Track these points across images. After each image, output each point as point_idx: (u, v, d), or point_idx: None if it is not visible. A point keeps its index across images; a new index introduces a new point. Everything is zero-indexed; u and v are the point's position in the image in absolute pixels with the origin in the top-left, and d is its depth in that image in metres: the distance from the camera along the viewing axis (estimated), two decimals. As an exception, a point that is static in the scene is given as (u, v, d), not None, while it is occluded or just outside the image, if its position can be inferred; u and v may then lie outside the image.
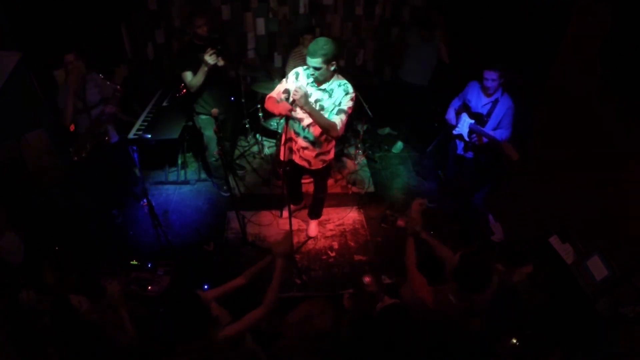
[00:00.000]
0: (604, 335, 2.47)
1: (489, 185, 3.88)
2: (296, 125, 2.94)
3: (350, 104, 2.77)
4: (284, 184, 3.26)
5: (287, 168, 3.12)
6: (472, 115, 3.45)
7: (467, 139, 3.48)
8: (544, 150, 3.32)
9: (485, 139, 3.39)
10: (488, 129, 3.37)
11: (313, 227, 3.77)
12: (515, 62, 3.66)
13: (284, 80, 2.91)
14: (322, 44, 2.54)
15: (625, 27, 2.64)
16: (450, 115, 3.59)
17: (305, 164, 3.13)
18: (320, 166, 3.15)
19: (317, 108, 2.74)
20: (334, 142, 3.12)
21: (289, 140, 3.04)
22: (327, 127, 2.74)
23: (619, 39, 2.69)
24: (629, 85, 2.62)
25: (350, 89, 2.79)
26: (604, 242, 2.75)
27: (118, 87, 3.29)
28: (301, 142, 3.01)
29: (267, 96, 2.88)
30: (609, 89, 2.81)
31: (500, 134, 3.31)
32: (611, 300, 2.57)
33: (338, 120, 2.74)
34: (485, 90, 3.29)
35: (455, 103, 3.61)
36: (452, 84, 4.67)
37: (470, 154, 3.58)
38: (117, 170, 3.72)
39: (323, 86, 2.77)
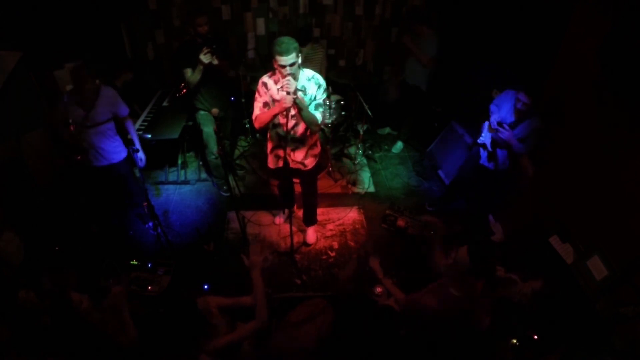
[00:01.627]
0: (604, 335, 2.47)
1: (503, 196, 3.77)
2: (280, 131, 2.89)
3: (325, 95, 2.83)
4: (278, 191, 3.22)
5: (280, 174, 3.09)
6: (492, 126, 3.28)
7: (490, 148, 3.37)
8: (543, 150, 3.32)
9: (500, 152, 3.30)
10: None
11: (311, 234, 3.72)
12: (515, 62, 3.67)
13: (256, 96, 2.83)
14: (288, 40, 2.52)
15: (625, 27, 2.64)
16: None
17: (300, 166, 3.10)
18: (314, 163, 3.14)
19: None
20: (317, 135, 3.10)
21: (276, 147, 3.02)
22: (310, 122, 2.77)
23: (619, 39, 2.69)
24: (629, 85, 2.62)
25: (322, 80, 2.80)
26: (604, 242, 2.75)
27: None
28: (289, 146, 2.95)
29: (254, 117, 2.84)
30: (608, 89, 2.81)
31: (519, 148, 3.15)
32: (611, 300, 2.57)
33: (319, 114, 2.80)
34: (518, 113, 3.13)
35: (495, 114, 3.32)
36: (452, 84, 4.70)
37: (492, 165, 3.45)
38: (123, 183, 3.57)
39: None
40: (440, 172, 4.54)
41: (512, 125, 3.16)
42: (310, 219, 3.68)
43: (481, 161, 3.50)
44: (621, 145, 2.73)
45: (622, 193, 2.70)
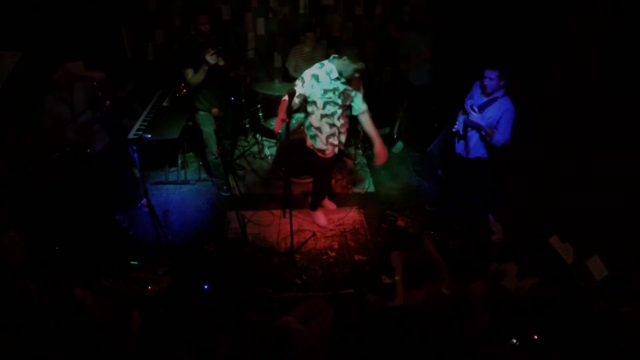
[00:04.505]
0: (604, 335, 2.47)
1: (491, 187, 3.83)
2: (335, 121, 3.16)
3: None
4: (285, 185, 3.27)
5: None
6: (465, 110, 3.41)
7: (462, 133, 3.45)
8: (543, 150, 3.32)
9: (471, 132, 3.38)
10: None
11: (330, 203, 4.03)
12: (516, 61, 3.66)
13: (298, 82, 3.01)
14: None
15: (625, 27, 2.64)
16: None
17: (340, 145, 3.38)
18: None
19: (344, 97, 3.10)
20: None
21: (330, 136, 3.22)
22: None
23: (619, 39, 2.70)
24: (629, 85, 2.62)
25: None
26: (604, 242, 2.75)
27: (107, 102, 3.18)
28: (339, 130, 3.26)
29: (282, 99, 2.99)
30: (609, 88, 2.81)
31: (497, 139, 3.19)
32: (611, 300, 2.57)
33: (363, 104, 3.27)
34: (484, 89, 3.24)
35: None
36: (452, 84, 4.69)
37: (471, 155, 3.50)
38: (112, 175, 3.63)
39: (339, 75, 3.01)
40: (440, 172, 4.54)
41: (483, 107, 3.26)
42: (333, 193, 4.08)
43: (457, 150, 3.61)
44: (621, 145, 2.73)
45: (623, 193, 2.69)
